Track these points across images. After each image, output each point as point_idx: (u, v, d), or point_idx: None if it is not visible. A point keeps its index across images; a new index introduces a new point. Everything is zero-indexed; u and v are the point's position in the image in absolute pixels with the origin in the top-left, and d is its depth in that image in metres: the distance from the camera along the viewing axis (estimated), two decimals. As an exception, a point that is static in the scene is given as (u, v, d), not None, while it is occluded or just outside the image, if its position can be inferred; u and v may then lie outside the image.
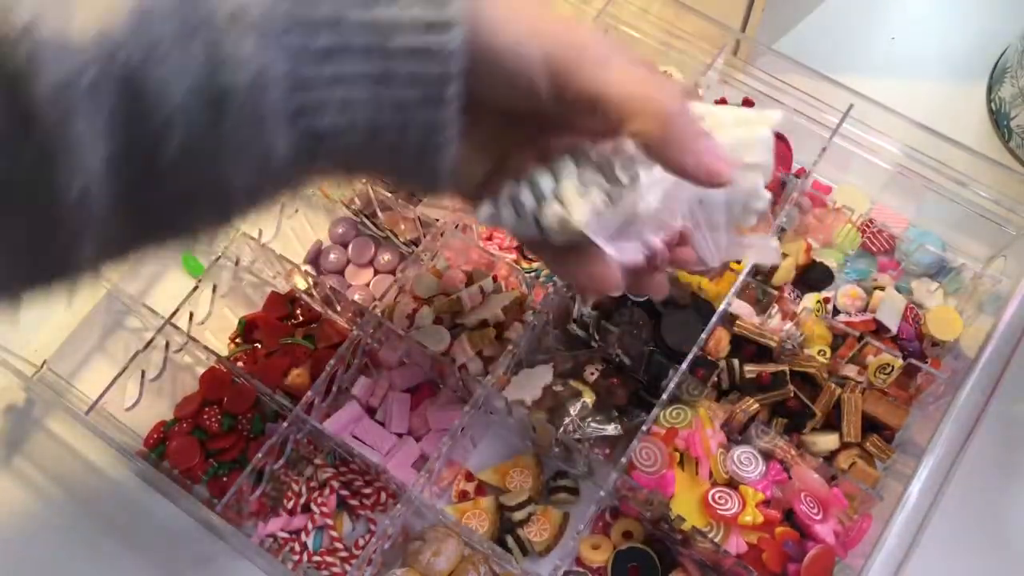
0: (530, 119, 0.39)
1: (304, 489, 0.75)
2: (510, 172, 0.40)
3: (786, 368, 0.73)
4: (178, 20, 0.29)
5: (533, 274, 0.80)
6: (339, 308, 0.80)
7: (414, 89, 0.33)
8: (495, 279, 0.76)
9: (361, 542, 0.74)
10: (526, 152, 0.41)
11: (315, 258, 0.85)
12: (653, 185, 0.38)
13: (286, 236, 0.87)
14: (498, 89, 0.35)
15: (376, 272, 0.85)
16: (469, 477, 0.77)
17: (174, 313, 0.75)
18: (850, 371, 0.75)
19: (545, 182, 0.39)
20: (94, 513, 0.77)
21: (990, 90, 0.92)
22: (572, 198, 0.38)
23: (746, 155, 0.39)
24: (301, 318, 0.82)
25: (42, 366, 0.82)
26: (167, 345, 0.78)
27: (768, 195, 0.42)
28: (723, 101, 0.86)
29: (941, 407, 0.70)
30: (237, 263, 0.82)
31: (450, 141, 0.35)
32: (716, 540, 0.68)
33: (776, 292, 0.76)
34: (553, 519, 0.74)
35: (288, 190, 0.36)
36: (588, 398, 0.72)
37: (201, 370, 0.80)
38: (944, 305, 0.80)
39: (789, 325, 0.76)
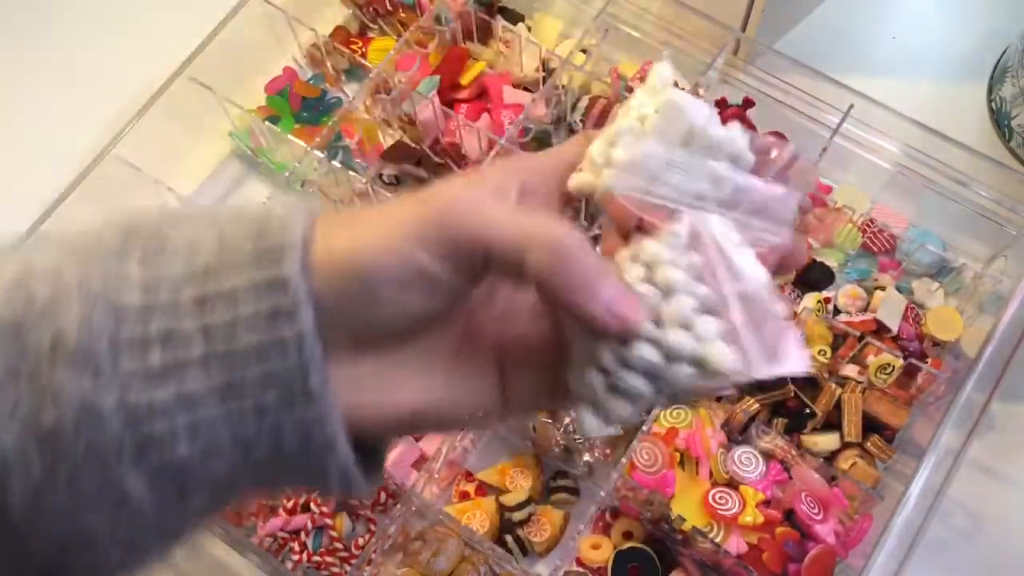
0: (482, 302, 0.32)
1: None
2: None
3: (786, 368, 0.73)
4: (3, 353, 0.27)
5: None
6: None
7: (273, 389, 0.27)
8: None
9: (361, 542, 0.74)
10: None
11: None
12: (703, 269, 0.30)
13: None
14: (404, 300, 0.29)
15: (376, 272, 0.85)
16: (469, 477, 0.77)
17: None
18: (851, 371, 0.75)
19: (644, 350, 0.29)
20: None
21: (991, 90, 0.91)
22: (710, 346, 0.29)
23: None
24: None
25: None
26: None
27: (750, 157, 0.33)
28: (723, 101, 0.86)
29: (942, 407, 0.70)
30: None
31: (334, 436, 0.28)
32: (716, 540, 0.68)
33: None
34: (553, 519, 0.74)
35: (178, 538, 0.30)
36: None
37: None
38: (945, 305, 0.80)
39: (789, 325, 0.75)
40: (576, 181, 0.32)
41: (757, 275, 0.30)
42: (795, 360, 0.30)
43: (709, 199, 0.32)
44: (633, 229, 0.32)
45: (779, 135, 0.84)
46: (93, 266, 0.28)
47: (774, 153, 0.33)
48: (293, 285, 0.27)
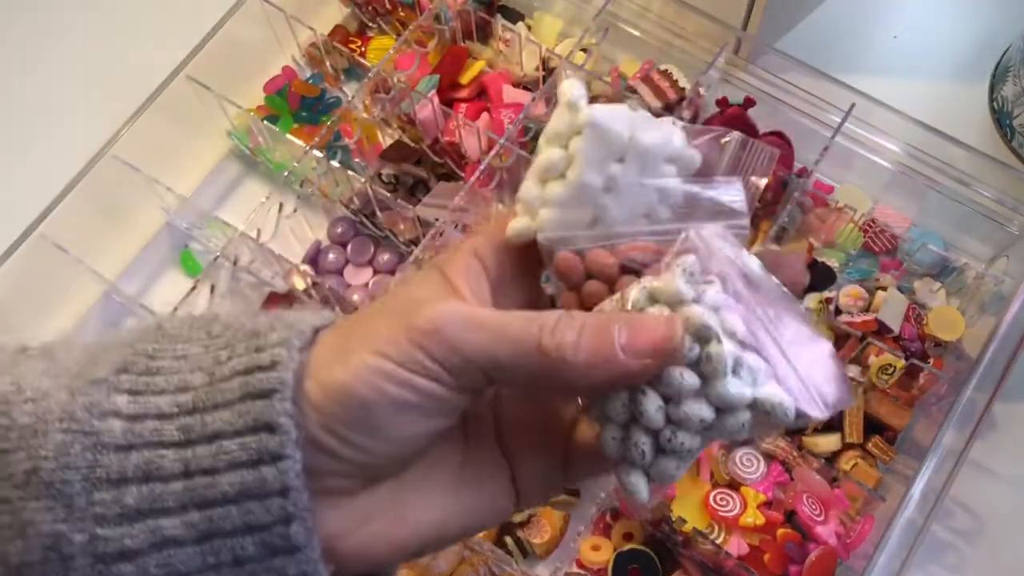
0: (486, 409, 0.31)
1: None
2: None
3: (787, 368, 0.73)
4: None
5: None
6: (338, 308, 0.80)
7: (253, 538, 0.26)
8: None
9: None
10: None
11: (314, 258, 0.85)
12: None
13: (285, 236, 0.86)
14: (403, 426, 0.27)
15: (375, 272, 0.85)
16: (469, 478, 0.76)
17: (172, 313, 0.75)
18: (852, 371, 0.74)
19: (693, 408, 0.27)
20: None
21: (992, 89, 0.91)
22: (763, 388, 0.27)
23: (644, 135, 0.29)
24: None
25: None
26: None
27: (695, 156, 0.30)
28: (724, 100, 0.85)
29: (943, 407, 0.70)
30: (236, 263, 0.82)
31: None
32: (717, 542, 0.67)
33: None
34: (553, 520, 0.74)
35: None
36: (588, 399, 0.71)
37: (199, 370, 0.80)
38: (946, 305, 0.79)
39: (790, 325, 0.75)
40: (513, 228, 0.30)
41: (789, 296, 0.28)
42: (842, 391, 0.27)
43: (661, 213, 0.30)
44: (614, 273, 0.29)
45: (780, 135, 0.84)
46: (80, 395, 0.27)
47: (723, 141, 0.30)
48: (281, 429, 0.26)
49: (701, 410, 0.27)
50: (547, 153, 0.30)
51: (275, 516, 0.26)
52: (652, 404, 0.27)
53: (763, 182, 0.31)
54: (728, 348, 0.27)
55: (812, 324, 0.28)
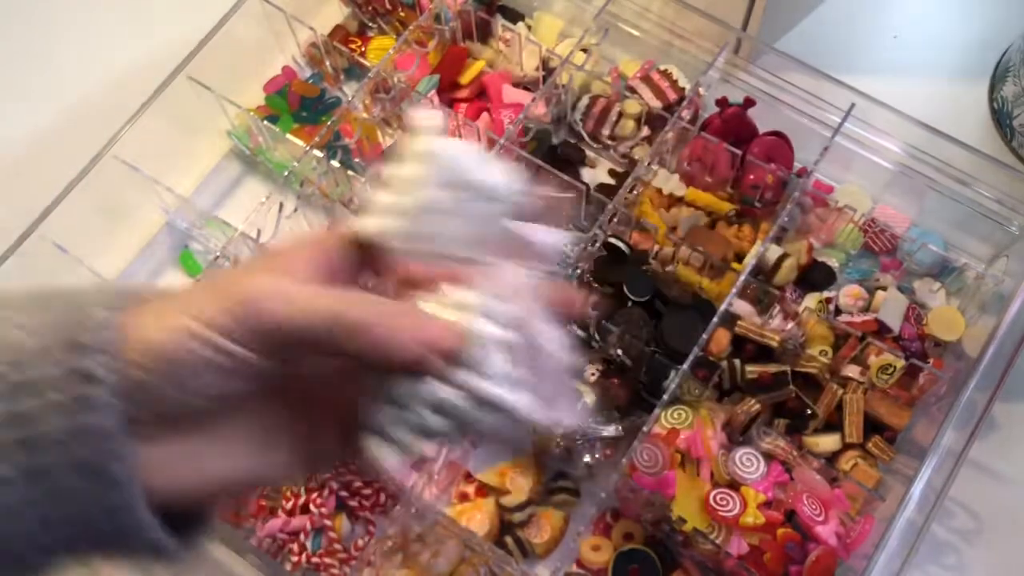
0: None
1: (303, 490, 0.75)
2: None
3: (787, 368, 0.73)
4: None
5: (533, 274, 0.80)
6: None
7: (79, 477, 0.30)
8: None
9: (360, 543, 0.74)
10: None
11: (314, 258, 0.85)
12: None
13: (285, 236, 0.86)
14: (208, 385, 0.31)
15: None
16: (469, 478, 0.76)
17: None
18: (852, 371, 0.74)
19: (449, 393, 0.32)
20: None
21: (992, 89, 0.91)
22: (512, 394, 0.32)
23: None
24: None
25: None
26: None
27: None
28: (724, 100, 0.85)
29: (943, 407, 0.70)
30: (236, 263, 0.82)
31: (140, 519, 0.30)
32: (717, 541, 0.67)
33: (778, 292, 0.76)
34: (553, 520, 0.74)
35: None
36: (588, 398, 0.71)
37: (200, 370, 0.80)
38: (946, 305, 0.79)
39: (791, 325, 0.75)
40: (357, 225, 0.34)
41: (555, 330, 0.33)
42: (572, 413, 0.35)
43: (481, 242, 0.35)
44: (430, 279, 0.34)
45: (780, 134, 0.84)
46: None
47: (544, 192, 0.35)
48: (99, 378, 0.30)
49: (457, 400, 0.32)
50: (397, 169, 0.34)
51: (98, 456, 0.30)
52: (418, 388, 0.32)
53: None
54: (495, 357, 0.32)
55: (573, 360, 0.34)
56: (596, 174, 0.89)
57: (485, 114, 0.86)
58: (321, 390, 0.36)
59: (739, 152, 0.79)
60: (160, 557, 0.33)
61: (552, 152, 0.87)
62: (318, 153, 0.80)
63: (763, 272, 0.78)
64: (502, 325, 0.32)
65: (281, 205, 0.87)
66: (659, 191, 0.83)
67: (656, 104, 0.85)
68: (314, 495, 0.74)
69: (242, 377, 0.32)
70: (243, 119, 0.85)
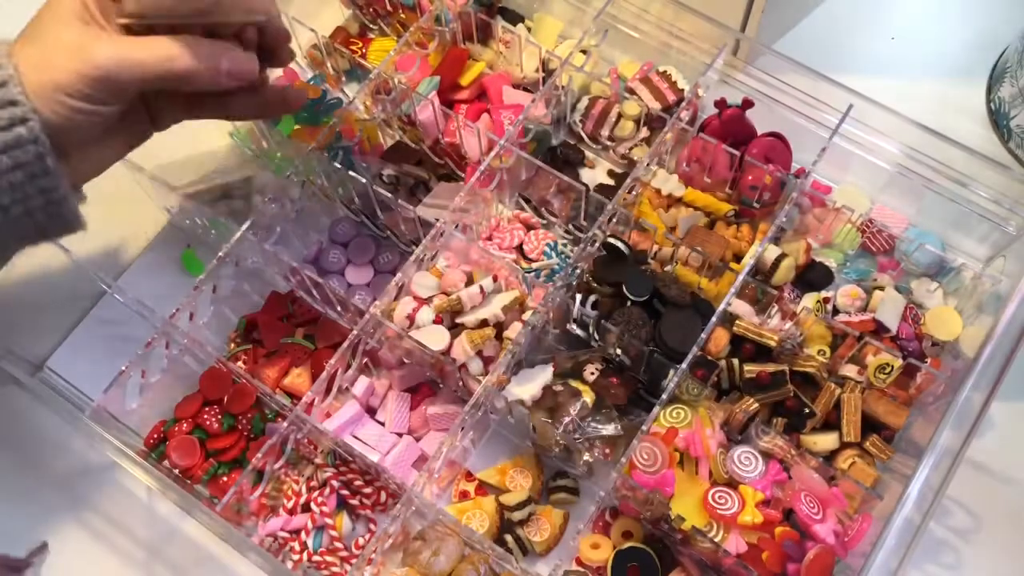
0: None
1: (304, 489, 0.75)
2: None
3: (786, 368, 0.73)
4: None
5: (533, 274, 0.80)
6: (339, 308, 0.80)
7: (20, 171, 0.52)
8: (495, 279, 0.76)
9: (361, 541, 0.74)
10: None
11: (315, 258, 0.85)
12: None
13: (286, 236, 0.87)
14: (88, 120, 0.55)
15: (377, 272, 0.85)
16: (469, 477, 0.77)
17: (174, 313, 0.75)
18: (850, 371, 0.75)
19: None
20: (93, 513, 0.77)
21: (990, 90, 0.92)
22: None
23: None
24: (302, 318, 0.82)
25: (42, 366, 0.82)
26: (167, 345, 0.78)
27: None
28: (722, 102, 0.86)
29: (941, 407, 0.70)
30: (237, 263, 0.82)
31: (66, 193, 0.55)
32: (716, 540, 0.68)
33: (776, 292, 0.76)
34: (553, 519, 0.74)
35: None
36: (588, 398, 0.72)
37: (201, 370, 0.80)
38: (944, 305, 0.80)
39: (789, 325, 0.76)
40: None
41: None
42: None
43: None
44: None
45: (778, 135, 0.84)
46: None
47: None
48: (21, 103, 0.51)
49: None
50: None
51: (32, 154, 0.51)
52: None
53: None
54: None
55: None
56: (595, 175, 0.89)
57: (485, 115, 0.87)
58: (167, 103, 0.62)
59: (738, 153, 0.79)
60: (72, 231, 0.57)
61: (552, 153, 0.88)
62: (320, 154, 0.80)
63: (761, 272, 0.79)
64: None
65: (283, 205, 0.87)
66: (658, 192, 0.83)
67: (655, 105, 0.85)
68: (315, 494, 0.75)
69: (107, 114, 0.55)
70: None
